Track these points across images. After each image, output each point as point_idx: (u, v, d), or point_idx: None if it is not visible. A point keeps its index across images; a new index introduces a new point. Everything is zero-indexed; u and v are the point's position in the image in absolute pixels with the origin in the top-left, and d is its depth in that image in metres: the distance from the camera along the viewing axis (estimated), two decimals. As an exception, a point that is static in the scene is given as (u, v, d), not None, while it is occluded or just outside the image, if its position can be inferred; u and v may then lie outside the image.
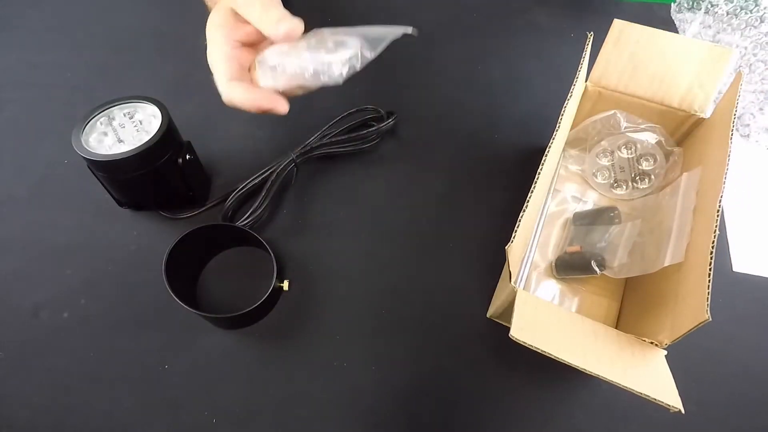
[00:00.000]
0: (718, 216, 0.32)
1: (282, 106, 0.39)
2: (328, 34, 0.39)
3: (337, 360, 0.43)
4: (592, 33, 0.42)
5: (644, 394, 0.29)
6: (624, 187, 0.48)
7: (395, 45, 0.65)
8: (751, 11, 0.61)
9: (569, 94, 0.39)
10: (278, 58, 0.38)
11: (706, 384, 0.42)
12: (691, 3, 0.65)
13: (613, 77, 0.45)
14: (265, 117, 0.51)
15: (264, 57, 0.39)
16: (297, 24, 0.38)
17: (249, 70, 0.40)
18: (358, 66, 0.39)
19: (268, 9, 0.39)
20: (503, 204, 0.50)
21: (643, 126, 0.45)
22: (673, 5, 0.68)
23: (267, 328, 0.44)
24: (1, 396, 0.41)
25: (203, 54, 0.52)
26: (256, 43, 0.42)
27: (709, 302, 0.29)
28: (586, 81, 0.46)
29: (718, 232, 0.31)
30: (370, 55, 0.39)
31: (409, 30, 0.40)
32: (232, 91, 0.38)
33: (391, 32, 0.40)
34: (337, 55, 0.38)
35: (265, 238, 0.44)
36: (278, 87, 0.39)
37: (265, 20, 0.38)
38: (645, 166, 0.46)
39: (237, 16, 0.41)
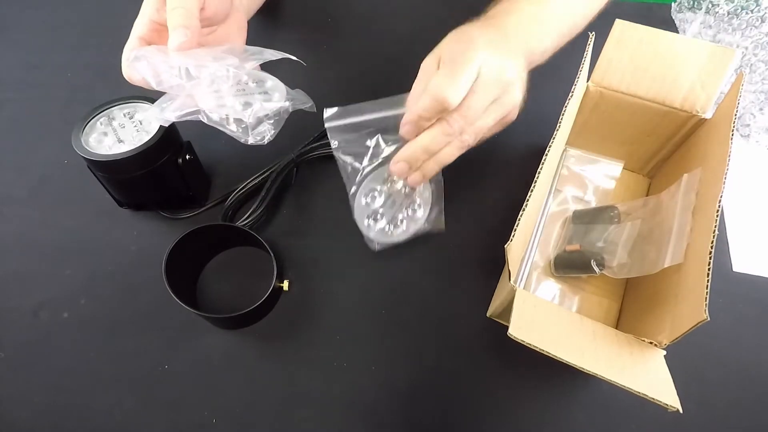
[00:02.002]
0: (717, 216, 0.32)
1: None
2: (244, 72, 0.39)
3: (337, 360, 0.43)
4: (593, 33, 0.42)
5: (642, 394, 0.29)
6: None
7: (395, 45, 0.65)
8: (751, 11, 0.61)
9: (570, 94, 0.39)
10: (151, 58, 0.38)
11: (706, 384, 0.42)
12: (691, 3, 0.65)
13: (615, 77, 0.45)
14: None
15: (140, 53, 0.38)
16: (185, 42, 0.37)
17: None
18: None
19: (176, 7, 0.38)
20: (504, 204, 0.50)
21: None
22: (673, 5, 0.67)
23: (267, 328, 0.44)
24: (1, 396, 0.41)
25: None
26: None
27: (707, 302, 0.29)
28: (588, 81, 0.46)
29: (717, 232, 0.31)
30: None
31: (293, 57, 0.41)
32: (128, 69, 0.39)
33: (275, 55, 0.41)
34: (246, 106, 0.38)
35: (265, 238, 0.44)
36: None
37: (169, 18, 0.38)
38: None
39: None
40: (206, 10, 0.41)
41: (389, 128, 0.41)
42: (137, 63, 0.38)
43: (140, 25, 0.41)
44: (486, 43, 0.37)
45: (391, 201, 0.43)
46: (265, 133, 0.38)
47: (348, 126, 0.41)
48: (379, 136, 0.42)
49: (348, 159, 0.43)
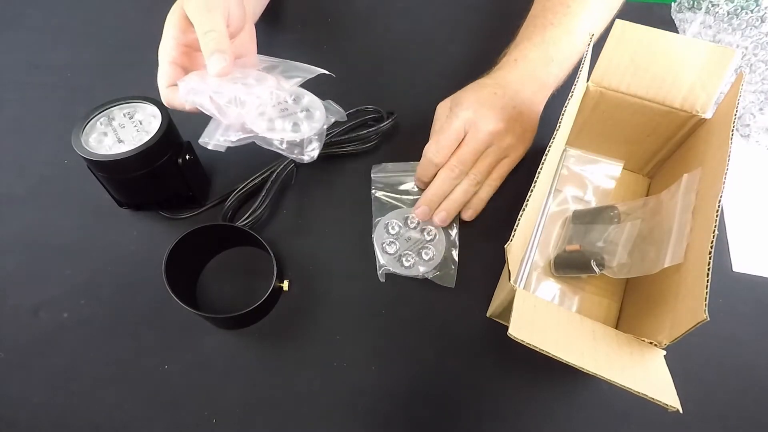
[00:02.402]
0: (717, 216, 0.32)
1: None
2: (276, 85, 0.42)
3: (337, 360, 0.43)
4: (593, 33, 0.42)
5: (642, 394, 0.29)
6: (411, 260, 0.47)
7: (394, 45, 0.65)
8: (751, 11, 0.61)
9: (570, 94, 0.39)
10: (198, 89, 0.40)
11: (706, 384, 0.42)
12: (691, 3, 0.65)
13: (614, 77, 0.45)
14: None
15: (186, 82, 0.40)
16: (225, 67, 0.39)
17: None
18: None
19: (209, 30, 0.39)
20: (503, 204, 0.50)
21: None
22: (673, 5, 0.67)
23: (267, 328, 0.44)
24: (1, 396, 0.41)
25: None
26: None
27: (707, 302, 0.29)
28: (588, 81, 0.46)
29: (717, 232, 0.31)
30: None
31: (326, 72, 0.44)
32: (169, 96, 0.41)
33: (310, 71, 0.44)
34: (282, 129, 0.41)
35: (265, 238, 0.44)
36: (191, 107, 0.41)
37: (203, 43, 0.39)
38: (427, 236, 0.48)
39: (187, 19, 0.41)
40: (230, 26, 0.42)
41: None
42: (191, 96, 0.39)
43: (169, 49, 0.42)
44: (471, 103, 0.46)
45: (407, 237, 0.48)
46: (316, 149, 0.42)
47: (388, 176, 0.51)
48: (411, 183, 0.51)
49: (380, 195, 0.51)
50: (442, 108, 0.50)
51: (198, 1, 0.41)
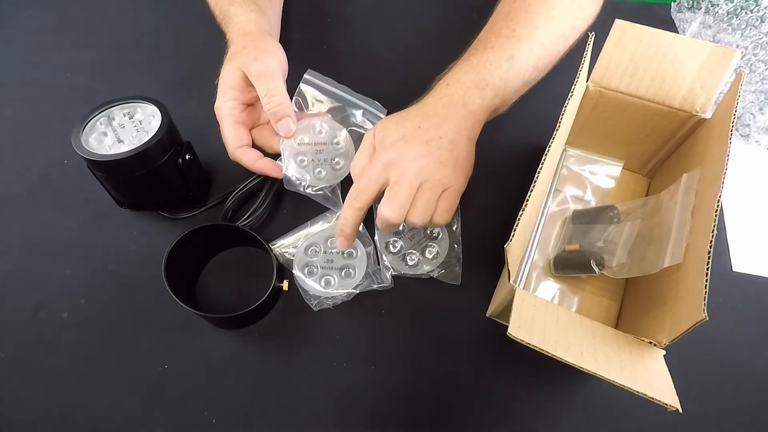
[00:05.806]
0: (716, 216, 0.32)
1: (278, 174, 0.46)
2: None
3: (337, 360, 0.43)
4: (593, 33, 0.42)
5: (642, 393, 0.29)
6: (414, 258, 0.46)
7: (394, 45, 0.65)
8: (751, 11, 0.61)
9: (570, 94, 0.39)
10: (298, 171, 0.47)
11: (706, 384, 0.42)
12: (691, 2, 0.65)
13: (614, 77, 0.45)
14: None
15: (287, 167, 0.46)
16: (293, 129, 0.45)
17: (251, 129, 0.48)
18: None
19: (273, 95, 0.44)
20: (503, 204, 0.50)
21: None
22: (673, 5, 0.67)
23: (267, 328, 0.44)
24: (1, 396, 0.41)
25: (204, 54, 0.52)
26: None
27: (706, 302, 0.29)
28: (587, 81, 0.46)
29: (716, 232, 0.31)
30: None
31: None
32: (239, 157, 0.45)
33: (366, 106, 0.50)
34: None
35: (265, 238, 0.44)
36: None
37: (269, 107, 0.44)
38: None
39: (247, 80, 0.45)
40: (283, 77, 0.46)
41: None
42: (289, 175, 0.46)
43: (231, 110, 0.45)
44: (394, 141, 0.42)
45: (410, 235, 0.48)
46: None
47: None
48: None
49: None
50: (368, 139, 0.44)
51: (259, 66, 0.44)
